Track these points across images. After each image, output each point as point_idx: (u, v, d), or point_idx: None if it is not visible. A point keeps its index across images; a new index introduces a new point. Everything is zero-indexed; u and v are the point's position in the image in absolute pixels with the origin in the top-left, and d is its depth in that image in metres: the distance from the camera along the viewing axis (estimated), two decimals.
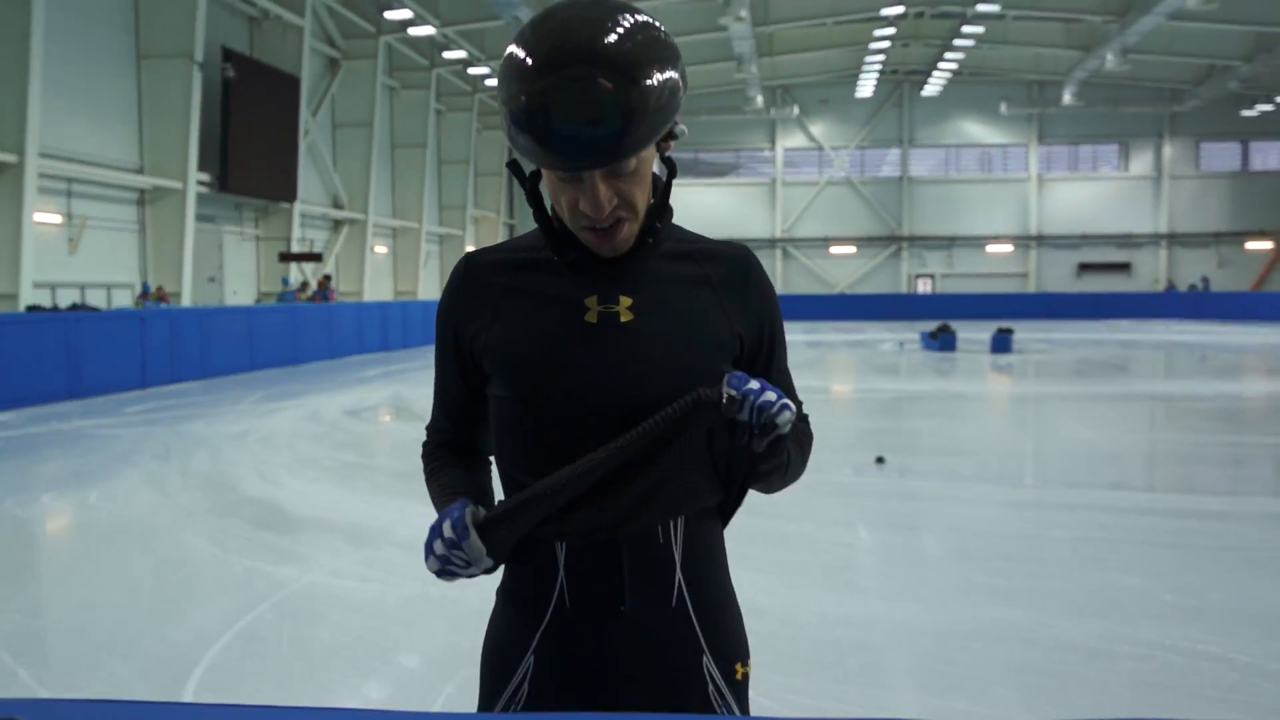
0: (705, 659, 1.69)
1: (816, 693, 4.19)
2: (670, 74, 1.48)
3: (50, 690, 4.31)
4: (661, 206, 1.64)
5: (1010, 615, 5.16)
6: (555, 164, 1.47)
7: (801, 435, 1.81)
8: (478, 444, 1.83)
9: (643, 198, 1.56)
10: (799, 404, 1.79)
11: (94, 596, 5.70)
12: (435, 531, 1.54)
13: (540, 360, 1.61)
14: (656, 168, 1.63)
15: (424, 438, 1.87)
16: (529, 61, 1.43)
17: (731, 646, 1.74)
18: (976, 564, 6.19)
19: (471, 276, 1.71)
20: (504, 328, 1.65)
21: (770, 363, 1.77)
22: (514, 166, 1.72)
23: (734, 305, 1.69)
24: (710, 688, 1.69)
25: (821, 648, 4.73)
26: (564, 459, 1.56)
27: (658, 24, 1.52)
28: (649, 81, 1.44)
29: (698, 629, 1.69)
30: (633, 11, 1.50)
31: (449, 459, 1.81)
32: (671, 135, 1.56)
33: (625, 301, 1.61)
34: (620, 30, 1.45)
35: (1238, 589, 5.63)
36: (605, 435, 1.56)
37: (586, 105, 1.41)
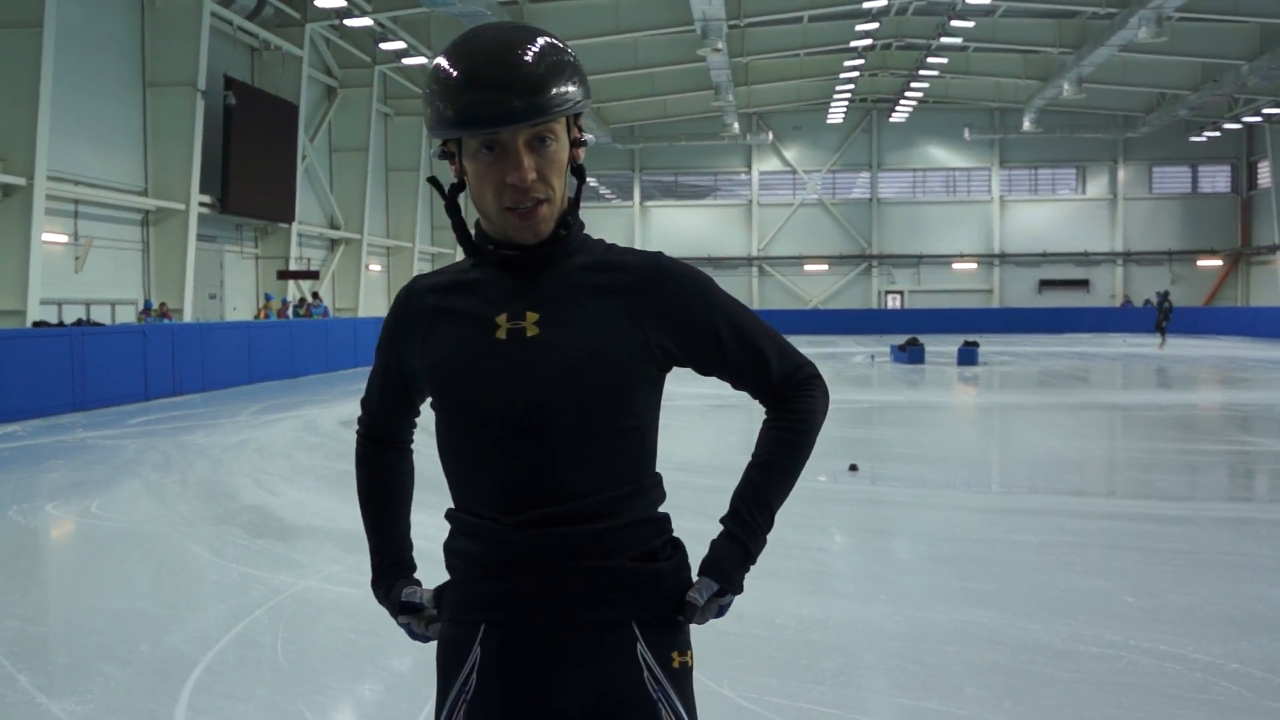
0: (640, 646, 1.66)
1: (794, 694, 4.12)
2: (578, 72, 1.62)
3: (49, 696, 4.21)
4: (573, 209, 1.69)
5: (980, 617, 5.11)
6: (480, 121, 1.54)
7: (796, 430, 1.74)
8: (400, 435, 1.95)
9: (558, 183, 1.62)
10: (799, 364, 1.75)
11: (94, 603, 5.59)
12: (402, 626, 1.86)
13: (456, 375, 1.67)
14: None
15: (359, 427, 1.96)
16: (452, 52, 1.59)
17: (667, 636, 1.69)
18: (947, 568, 6.14)
19: (410, 300, 1.78)
20: (432, 346, 1.71)
21: (722, 359, 1.72)
22: (434, 181, 1.86)
23: (648, 314, 1.66)
24: (645, 674, 1.66)
25: (798, 650, 4.66)
26: (480, 465, 1.67)
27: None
28: (560, 62, 1.58)
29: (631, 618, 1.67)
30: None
31: (374, 454, 1.94)
32: (581, 142, 1.66)
33: (532, 317, 1.65)
34: (534, 38, 1.60)
35: (1197, 591, 5.59)
36: (515, 443, 1.62)
37: (506, 68, 1.54)
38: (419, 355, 1.73)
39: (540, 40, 1.59)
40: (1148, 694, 4.13)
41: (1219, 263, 48.66)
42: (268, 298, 26.41)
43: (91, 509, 8.14)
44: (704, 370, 1.74)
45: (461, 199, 1.77)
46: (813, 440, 1.75)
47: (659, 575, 1.69)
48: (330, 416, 14.39)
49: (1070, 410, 15.03)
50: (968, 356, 24.76)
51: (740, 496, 1.74)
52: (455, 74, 1.56)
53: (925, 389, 18.68)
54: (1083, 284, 49.42)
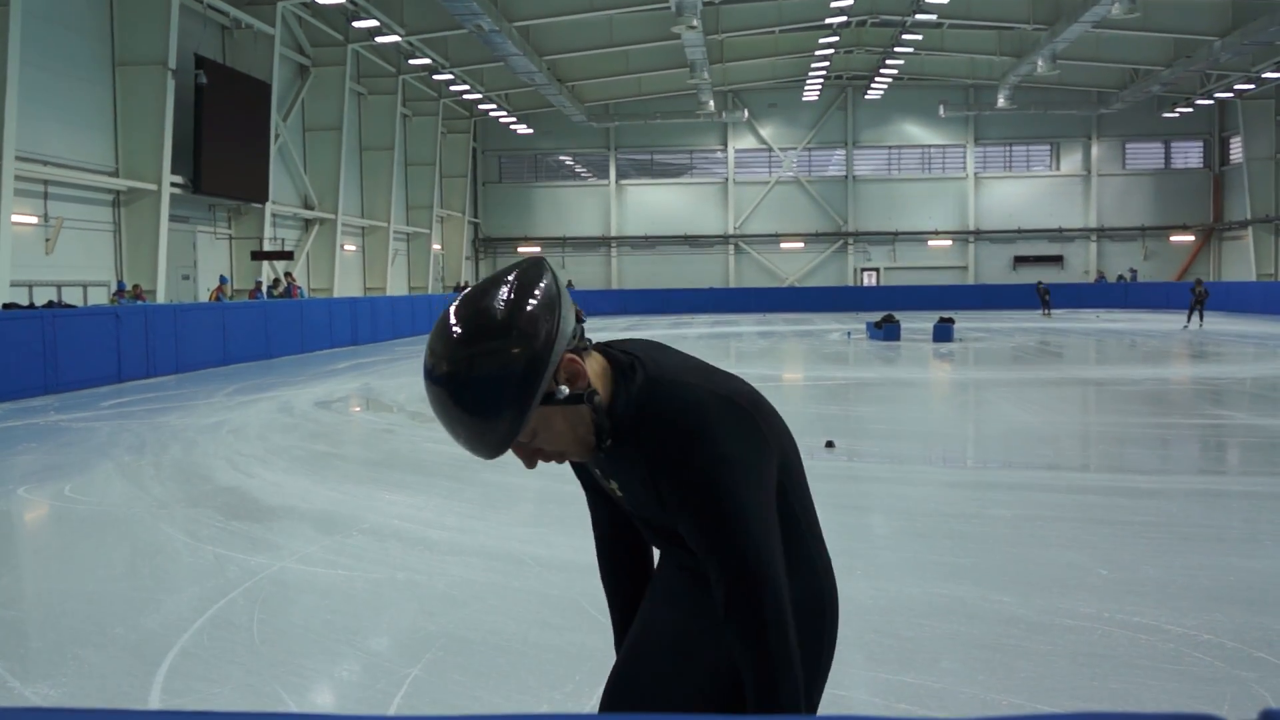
0: None
1: None
2: (508, 400, 1.64)
3: (21, 680, 4.17)
4: (609, 420, 1.78)
5: (956, 591, 5.13)
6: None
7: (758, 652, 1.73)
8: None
9: (563, 442, 1.77)
10: (739, 552, 1.71)
11: (67, 586, 5.54)
12: None
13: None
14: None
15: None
16: (424, 360, 1.70)
17: None
18: (923, 542, 6.17)
19: None
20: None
21: (690, 527, 1.77)
22: None
23: (662, 480, 1.77)
24: None
25: None
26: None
27: (525, 298, 1.65)
28: (495, 392, 1.63)
29: None
30: (496, 306, 1.65)
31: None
32: (555, 400, 1.71)
33: (613, 484, 1.93)
34: (468, 356, 1.63)
35: (1169, 563, 5.63)
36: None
37: (452, 425, 1.69)
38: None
39: (476, 370, 1.63)
40: (1121, 665, 4.17)
41: (1191, 238, 49.01)
42: (221, 280, 25.98)
43: (64, 492, 8.06)
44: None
45: None
46: (773, 653, 1.70)
47: None
48: (305, 397, 14.31)
49: (1044, 385, 15.12)
50: (943, 333, 24.85)
51: None
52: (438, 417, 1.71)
53: (901, 366, 18.74)
54: (1057, 260, 49.69)
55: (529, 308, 1.64)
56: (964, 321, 31.85)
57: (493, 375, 1.62)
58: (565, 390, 1.71)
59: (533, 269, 1.70)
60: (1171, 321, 32.44)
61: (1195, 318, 29.59)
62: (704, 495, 1.72)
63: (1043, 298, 38.78)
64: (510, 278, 1.68)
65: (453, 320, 1.66)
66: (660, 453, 1.74)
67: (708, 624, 1.88)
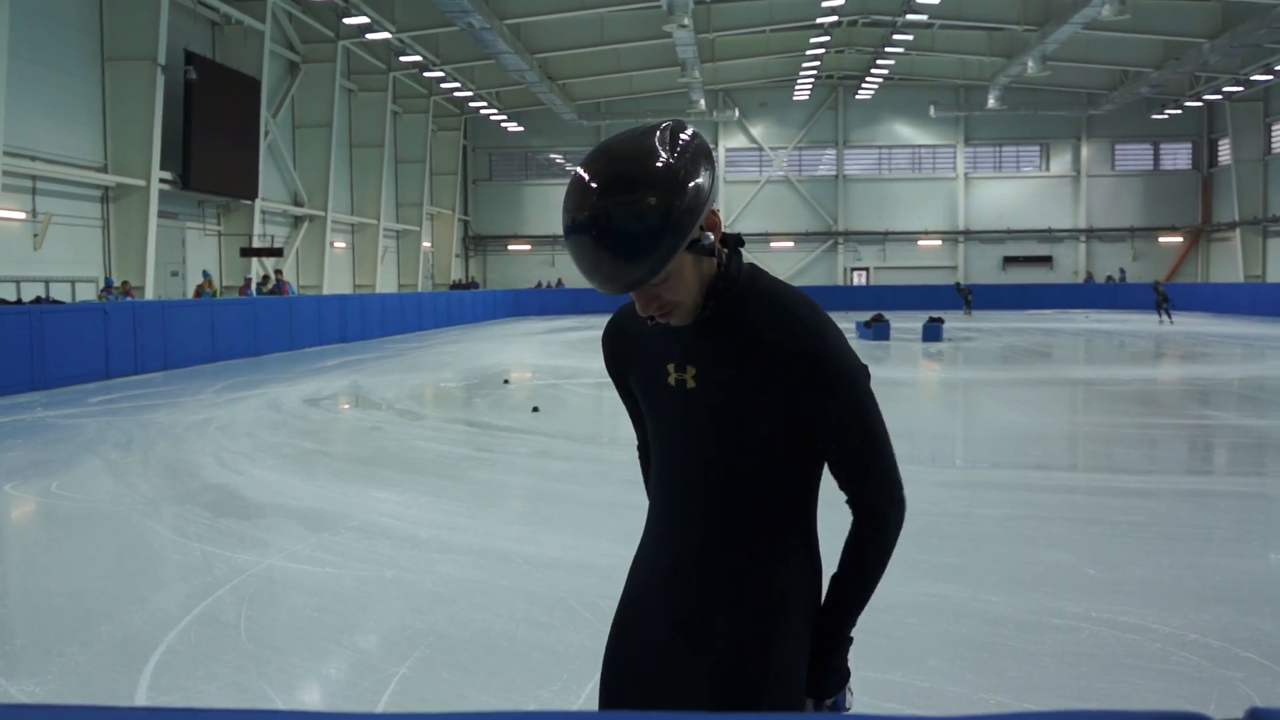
0: None
1: None
2: (677, 207, 1.61)
3: (7, 678, 4.15)
4: (723, 278, 1.76)
5: (944, 590, 5.14)
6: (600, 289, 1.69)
7: (867, 558, 1.84)
8: None
9: (684, 292, 1.72)
10: (891, 499, 1.82)
11: (53, 584, 5.51)
12: None
13: (643, 404, 1.94)
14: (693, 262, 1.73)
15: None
16: (565, 204, 1.65)
17: None
18: (911, 542, 6.14)
19: (617, 325, 2.01)
20: (634, 371, 1.94)
21: (834, 456, 1.80)
22: None
23: (789, 397, 1.74)
24: None
25: None
26: (661, 473, 1.91)
27: (683, 146, 1.65)
28: (671, 216, 1.60)
29: None
30: (656, 151, 1.63)
31: (647, 466, 2.11)
32: (701, 246, 1.70)
33: (691, 371, 1.81)
34: (631, 190, 1.60)
35: (1157, 563, 5.65)
36: (677, 474, 1.86)
37: (597, 266, 1.63)
38: (630, 377, 1.97)
39: (648, 187, 1.61)
40: (1108, 665, 4.18)
41: (1180, 239, 49.18)
42: (205, 275, 25.82)
43: (51, 489, 8.03)
44: (819, 451, 1.82)
45: None
46: (882, 567, 1.85)
47: None
48: (294, 394, 14.27)
49: (1033, 385, 15.16)
50: (932, 333, 24.91)
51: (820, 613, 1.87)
52: (572, 244, 1.65)
53: (890, 365, 18.76)
54: (1046, 260, 49.82)
55: (689, 155, 1.65)
56: (953, 322, 31.93)
57: (652, 218, 1.61)
58: (710, 237, 1.71)
59: (678, 122, 1.71)
60: (1160, 322, 32.57)
61: (1164, 315, 31.94)
62: (852, 419, 1.75)
63: (965, 297, 39.60)
64: (663, 127, 1.68)
65: (608, 164, 1.64)
66: (771, 334, 1.74)
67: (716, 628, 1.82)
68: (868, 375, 1.77)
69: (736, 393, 1.76)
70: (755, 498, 1.80)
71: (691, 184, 1.62)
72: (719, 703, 1.78)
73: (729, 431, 1.78)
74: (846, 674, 1.86)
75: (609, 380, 2.09)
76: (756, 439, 1.77)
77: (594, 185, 1.61)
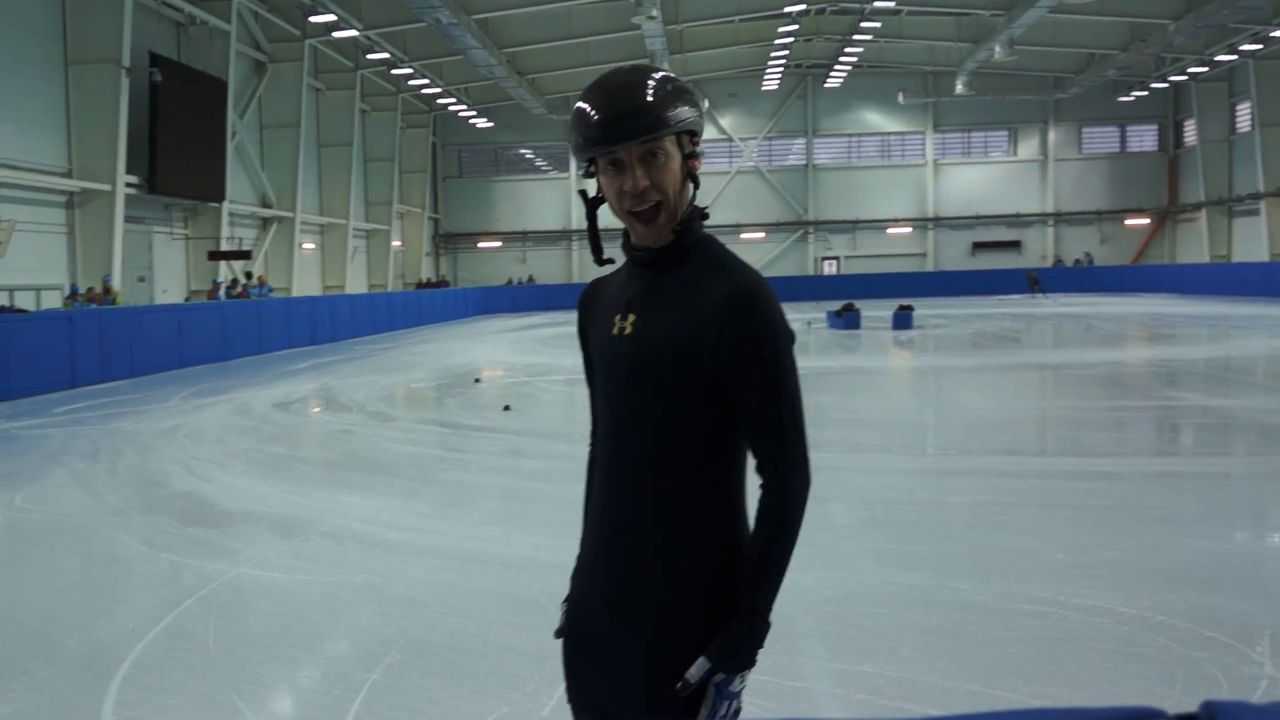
0: None
1: None
2: (684, 98, 1.89)
3: None
4: (694, 215, 1.99)
5: (914, 579, 5.16)
6: (599, 142, 1.85)
7: (770, 529, 1.86)
8: None
9: (672, 189, 1.91)
10: (794, 456, 1.86)
11: (17, 599, 5.45)
12: None
13: (596, 366, 2.03)
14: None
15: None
16: (584, 94, 1.89)
17: None
18: (882, 531, 6.20)
19: (587, 292, 2.14)
20: (592, 329, 2.06)
21: (746, 402, 1.85)
22: (582, 194, 2.11)
23: (715, 342, 1.84)
24: None
25: None
26: (602, 438, 2.01)
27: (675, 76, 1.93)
28: (666, 92, 1.87)
29: None
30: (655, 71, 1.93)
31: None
32: (695, 154, 1.95)
33: (630, 319, 1.94)
34: (651, 74, 1.90)
35: (1124, 546, 5.70)
36: (610, 434, 1.97)
37: (627, 98, 1.85)
38: (592, 339, 2.08)
39: (650, 76, 1.89)
40: (1077, 648, 4.21)
41: (1146, 221, 49.56)
42: (215, 282, 25.69)
43: (16, 501, 7.94)
44: (733, 392, 1.87)
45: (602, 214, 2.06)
46: (787, 542, 1.87)
47: None
48: (264, 399, 14.17)
49: (1003, 371, 15.25)
50: (902, 321, 25.02)
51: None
52: (584, 108, 1.87)
53: (861, 354, 18.84)
54: (1014, 245, 50.10)
55: (682, 81, 1.94)
56: (923, 309, 32.08)
57: (669, 84, 1.89)
58: (699, 152, 1.97)
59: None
60: (1127, 305, 32.83)
61: (1041, 295, 35.84)
62: (769, 368, 1.85)
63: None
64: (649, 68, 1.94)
65: (628, 70, 1.91)
66: (710, 281, 1.89)
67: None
68: (793, 339, 1.89)
69: (670, 336, 1.87)
70: (680, 462, 1.87)
71: (690, 92, 1.91)
72: (649, 680, 1.84)
73: (650, 377, 1.88)
74: (750, 662, 1.82)
75: (581, 377, 2.14)
76: (677, 389, 1.86)
77: (616, 76, 1.90)
